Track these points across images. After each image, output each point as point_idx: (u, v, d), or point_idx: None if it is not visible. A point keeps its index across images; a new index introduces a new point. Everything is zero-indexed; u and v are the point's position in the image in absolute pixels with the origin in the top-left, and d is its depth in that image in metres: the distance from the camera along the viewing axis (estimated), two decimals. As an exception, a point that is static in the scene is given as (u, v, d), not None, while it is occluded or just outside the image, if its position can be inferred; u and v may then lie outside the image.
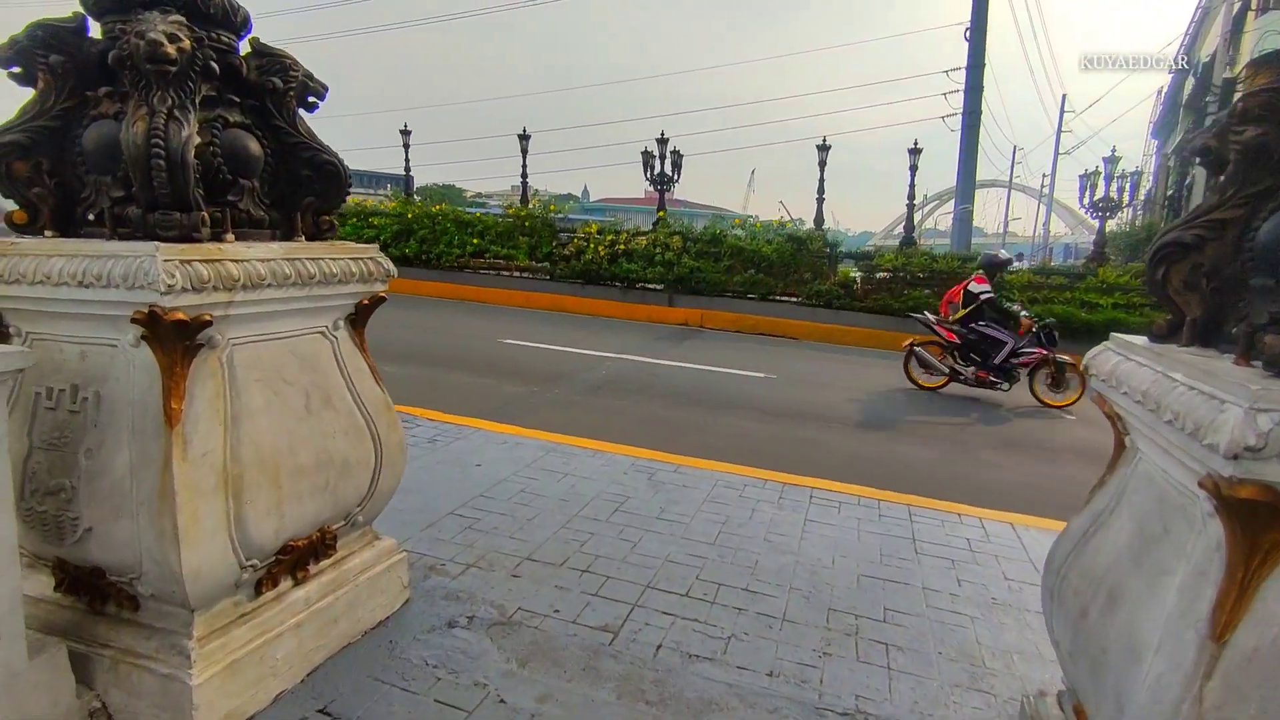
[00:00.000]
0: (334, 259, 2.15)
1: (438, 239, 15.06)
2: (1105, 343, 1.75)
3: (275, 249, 1.98)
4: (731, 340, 11.26)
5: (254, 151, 2.05)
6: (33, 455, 1.84)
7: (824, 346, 11.18)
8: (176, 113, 1.76)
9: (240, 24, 2.05)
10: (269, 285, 1.91)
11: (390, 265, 2.37)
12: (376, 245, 2.36)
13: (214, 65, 1.89)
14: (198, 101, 1.85)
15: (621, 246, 13.54)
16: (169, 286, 1.64)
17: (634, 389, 7.26)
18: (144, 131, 1.71)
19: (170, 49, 1.74)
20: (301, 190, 2.19)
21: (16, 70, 1.88)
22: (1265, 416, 1.11)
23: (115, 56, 1.79)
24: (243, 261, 1.84)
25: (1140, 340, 1.62)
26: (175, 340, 1.72)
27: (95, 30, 1.94)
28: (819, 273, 12.65)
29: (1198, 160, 1.57)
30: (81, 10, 1.92)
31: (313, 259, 2.07)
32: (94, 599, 1.94)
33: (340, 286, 2.19)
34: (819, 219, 15.55)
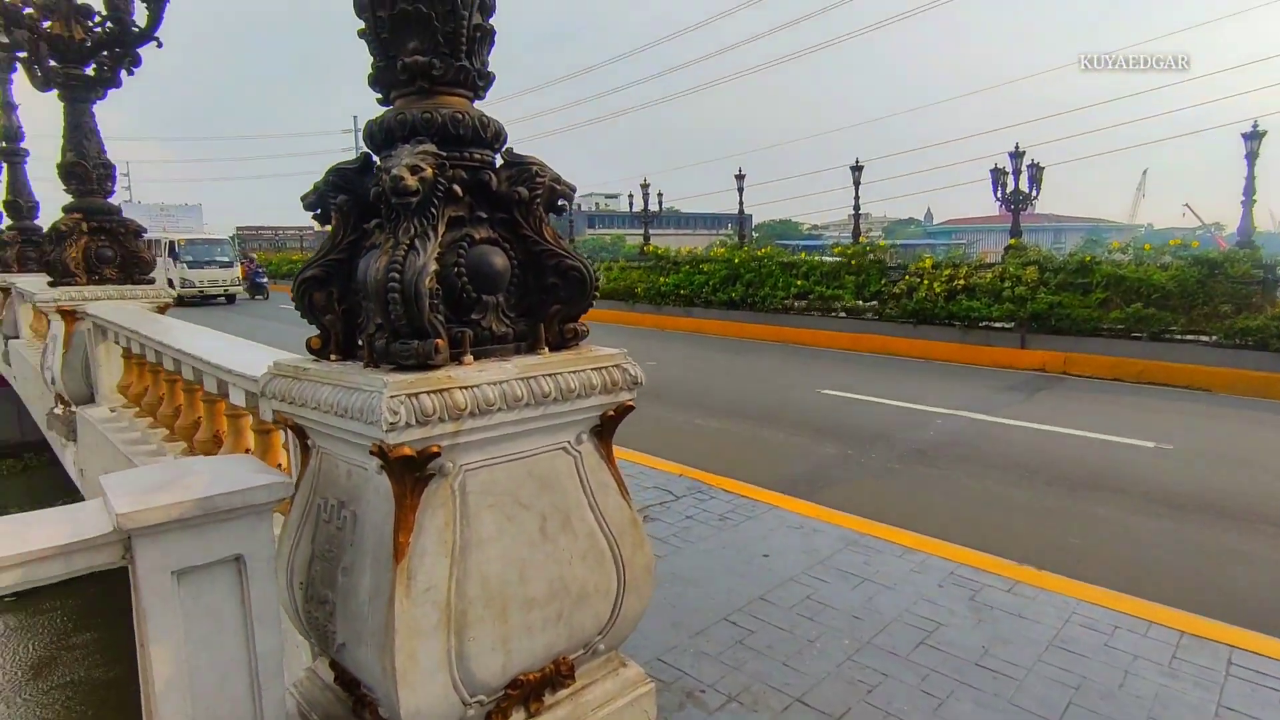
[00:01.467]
0: (573, 372, 2.01)
1: (763, 281, 15.17)
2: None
3: (509, 369, 1.89)
4: (1105, 392, 9.11)
5: (499, 267, 2.01)
6: (314, 562, 2.00)
7: (1255, 404, 8.40)
8: (416, 242, 1.78)
9: (492, 138, 2.05)
10: (499, 410, 1.82)
11: (637, 371, 2.17)
12: (623, 352, 2.18)
13: (457, 188, 1.89)
14: (441, 227, 1.86)
15: (961, 282, 12.02)
16: (391, 425, 1.62)
17: (966, 457, 6.18)
18: (384, 264, 1.75)
19: (411, 181, 1.75)
20: (548, 298, 2.11)
21: (317, 212, 2.10)
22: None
23: (375, 193, 1.88)
24: (471, 388, 1.77)
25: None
26: (404, 472, 1.71)
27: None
28: (1245, 303, 9.62)
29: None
30: (366, 149, 2.08)
31: (549, 375, 1.95)
32: (356, 702, 2.03)
33: (580, 401, 2.03)
34: (1245, 228, 11.99)
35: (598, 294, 2.16)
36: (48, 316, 6.13)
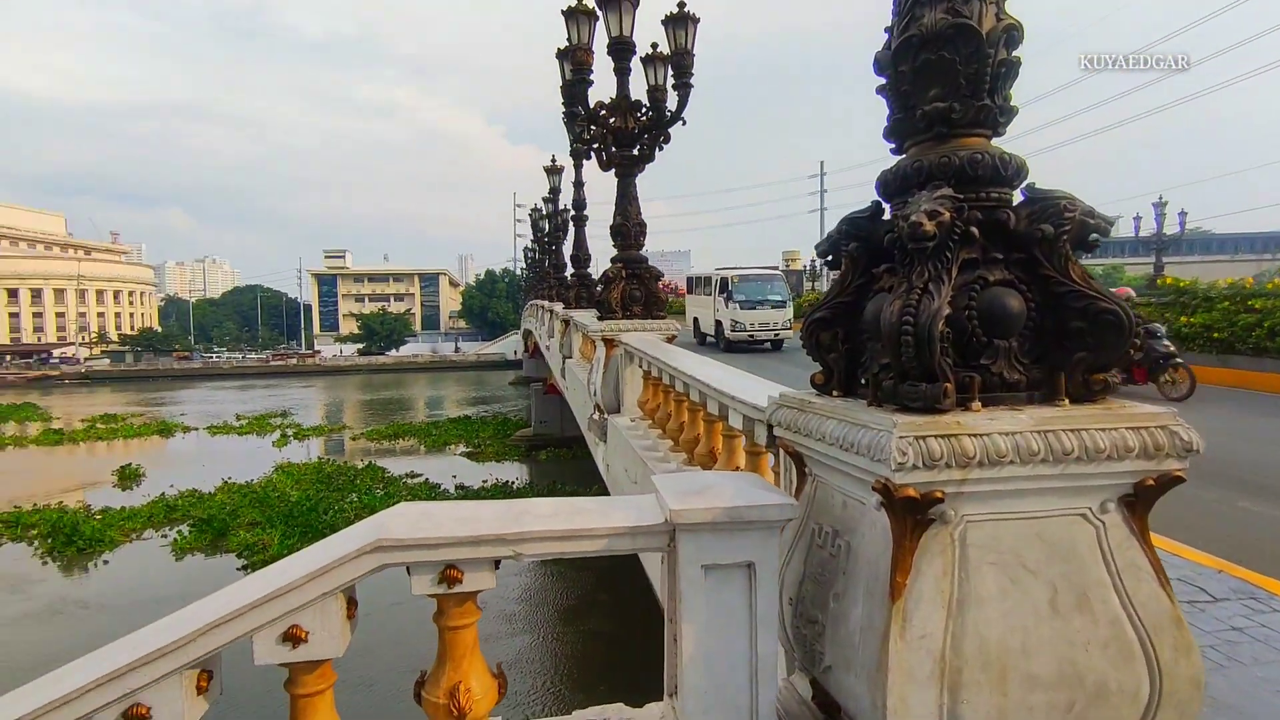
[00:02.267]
0: (1103, 430, 1.76)
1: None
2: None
3: (1024, 419, 1.75)
4: None
5: (1013, 310, 1.88)
6: (805, 581, 2.15)
7: None
8: (930, 286, 1.79)
9: (1012, 175, 1.94)
10: (1010, 462, 1.70)
11: (1192, 435, 1.79)
12: (1172, 411, 1.82)
13: (973, 230, 1.84)
14: (954, 270, 1.83)
15: None
16: (899, 465, 1.65)
17: None
18: (899, 308, 1.80)
19: (929, 226, 1.78)
20: (1070, 345, 1.89)
21: (829, 258, 2.28)
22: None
23: (889, 239, 1.96)
24: (981, 436, 1.70)
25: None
26: (905, 513, 1.72)
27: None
28: None
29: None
30: (877, 199, 2.19)
31: (1072, 430, 1.75)
32: (833, 726, 2.11)
33: (1110, 464, 1.77)
34: None
35: (1137, 342, 1.85)
36: (594, 343, 7.95)
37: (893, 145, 2.17)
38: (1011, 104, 2.02)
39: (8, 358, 65.38)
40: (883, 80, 2.15)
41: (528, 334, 33.81)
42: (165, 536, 15.81)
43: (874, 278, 2.14)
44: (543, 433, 25.50)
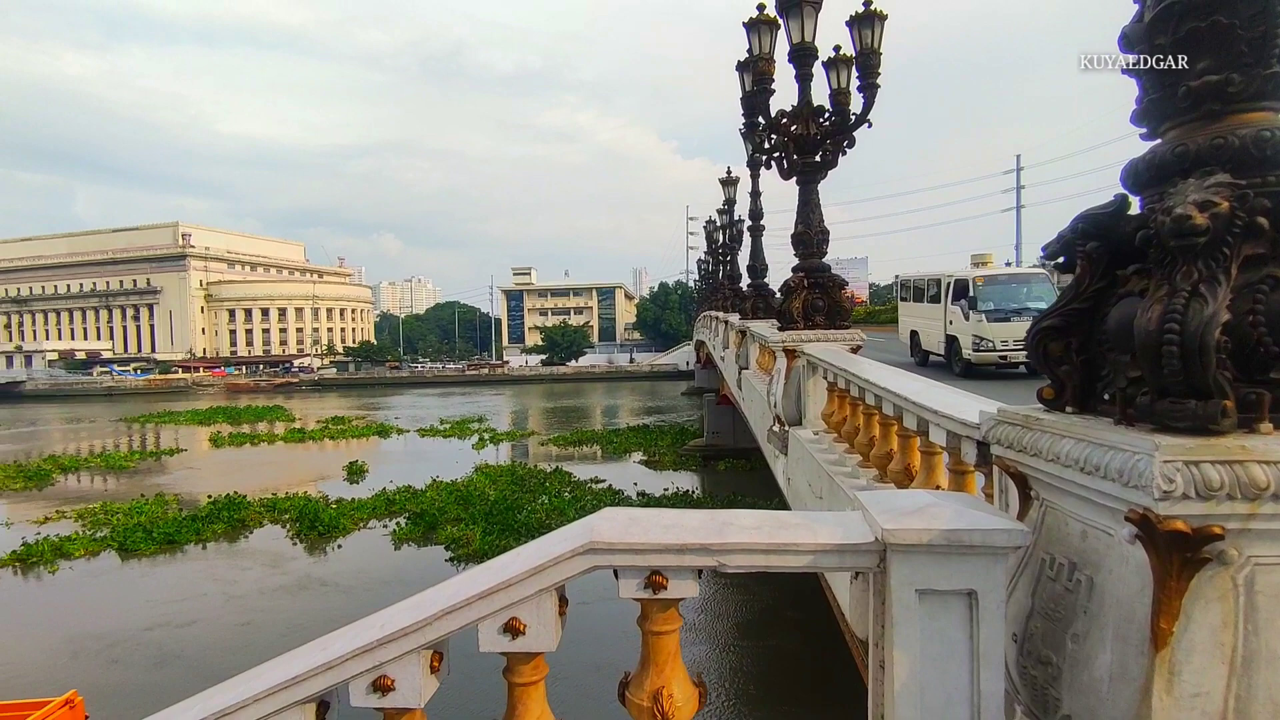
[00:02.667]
0: None
1: None
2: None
3: (1333, 445, 1.46)
4: None
5: (1314, 313, 1.58)
6: (1033, 617, 1.95)
7: None
8: (1202, 288, 1.55)
9: (1313, 153, 1.63)
10: (1316, 496, 1.43)
11: None
12: None
13: (1261, 220, 1.57)
14: (1234, 268, 1.57)
15: None
16: (1165, 493, 1.44)
17: None
18: (1160, 314, 1.57)
19: (1200, 219, 1.55)
20: (1398, 355, 1.55)
21: (1060, 259, 2.06)
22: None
23: (1141, 237, 1.73)
24: (1276, 464, 1.44)
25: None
26: (1171, 550, 1.50)
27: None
28: None
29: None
30: (1122, 191, 1.94)
31: (1401, 460, 1.43)
32: (1071, 785, 1.88)
33: None
34: None
35: None
36: (774, 353, 7.83)
37: (1145, 130, 1.92)
38: (1305, 71, 1.71)
39: (261, 367, 77.40)
40: (1130, 58, 1.91)
41: (700, 345, 34.10)
42: (385, 527, 17.82)
43: (1117, 280, 1.90)
44: (715, 443, 25.55)
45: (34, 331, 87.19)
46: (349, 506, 19.15)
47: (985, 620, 1.80)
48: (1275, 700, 1.45)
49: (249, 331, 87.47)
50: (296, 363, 78.25)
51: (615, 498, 19.70)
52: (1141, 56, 1.86)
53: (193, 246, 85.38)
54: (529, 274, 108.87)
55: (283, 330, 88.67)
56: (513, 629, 1.96)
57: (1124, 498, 1.57)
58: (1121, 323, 1.82)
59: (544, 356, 75.87)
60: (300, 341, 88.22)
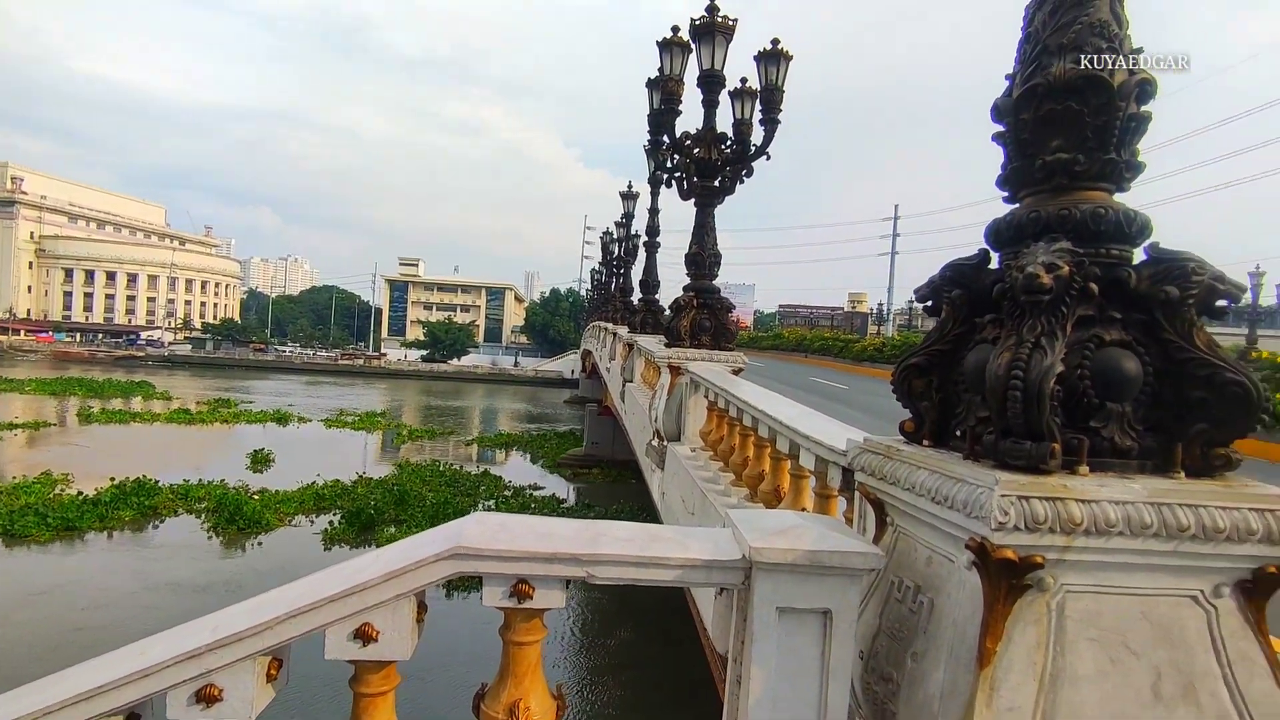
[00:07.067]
0: (1223, 508, 1.64)
1: None
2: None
3: (1137, 489, 1.65)
4: None
5: (1129, 373, 1.79)
6: (879, 636, 2.07)
7: None
8: (1043, 340, 1.72)
9: (1136, 233, 1.85)
10: (1118, 533, 1.61)
11: (1327, 524, 1.65)
12: (1299, 494, 1.69)
13: (1093, 286, 1.76)
14: (1069, 325, 1.76)
15: None
16: (1000, 524, 1.58)
17: None
18: (1008, 361, 1.73)
19: (1045, 279, 1.71)
20: (1190, 416, 1.78)
21: (929, 303, 2.22)
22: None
23: (997, 290, 1.89)
24: (1090, 502, 1.61)
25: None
26: (1000, 576, 1.64)
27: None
28: None
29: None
30: (985, 246, 2.12)
31: (1189, 506, 1.64)
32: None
33: (1229, 545, 1.65)
34: None
35: (1266, 417, 1.73)
36: (659, 369, 7.95)
37: (1006, 194, 2.11)
38: (1139, 160, 1.94)
39: (100, 336, 69.67)
40: (1000, 128, 2.09)
41: (587, 354, 34.11)
42: (313, 523, 16.35)
43: (975, 327, 2.07)
44: (594, 453, 25.55)
45: None
46: (273, 499, 17.38)
47: (837, 638, 1.89)
48: (1075, 714, 1.62)
49: (89, 295, 78.50)
50: (145, 335, 71.04)
51: (558, 507, 19.16)
52: (1008, 128, 2.05)
53: (25, 193, 75.35)
54: (416, 265, 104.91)
55: (131, 298, 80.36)
56: (365, 635, 1.85)
57: (966, 527, 1.70)
58: (976, 366, 1.98)
59: (425, 352, 73.25)
60: (151, 313, 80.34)
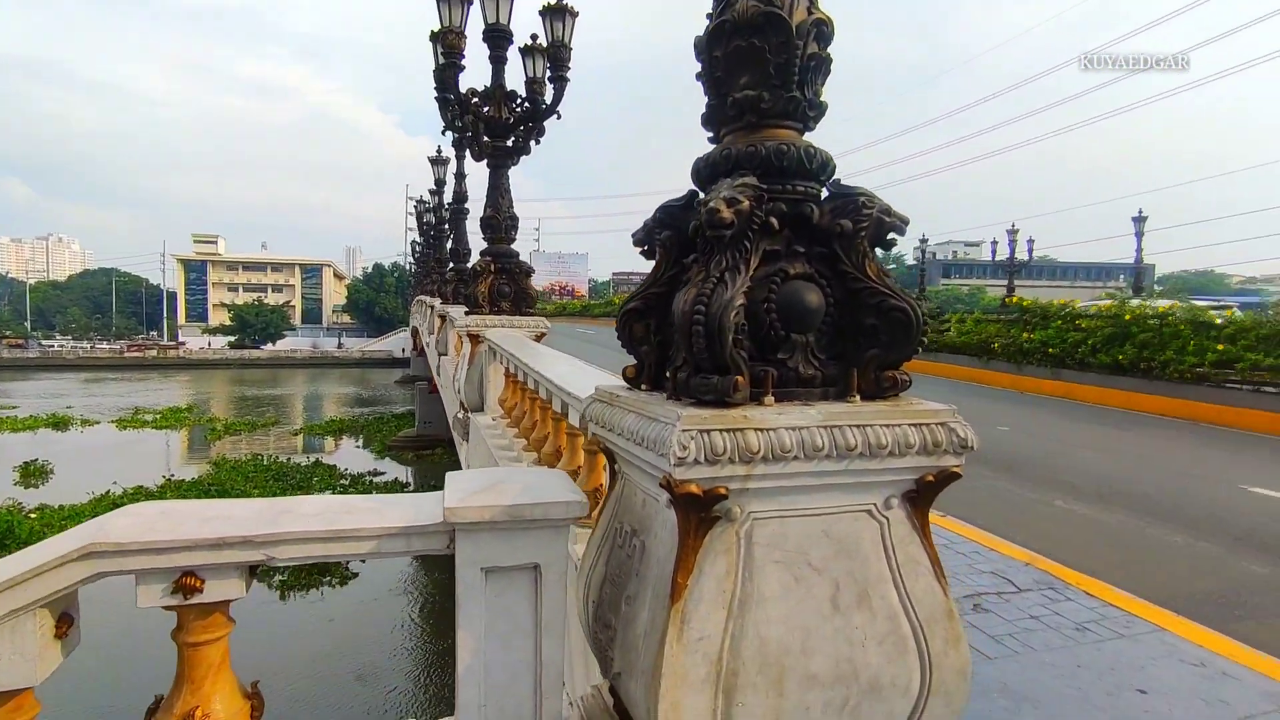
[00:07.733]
0: (886, 425, 1.76)
1: (1164, 344, 12.33)
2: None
3: (811, 414, 1.72)
4: None
5: (812, 304, 1.86)
6: (605, 583, 2.05)
7: None
8: (726, 276, 1.73)
9: (818, 169, 1.92)
10: (795, 457, 1.67)
11: (968, 432, 1.82)
12: (952, 409, 1.85)
13: (774, 221, 1.80)
14: (754, 260, 1.79)
15: None
16: (679, 459, 1.57)
17: None
18: (692, 298, 1.73)
19: (726, 213, 1.72)
20: (865, 341, 1.89)
21: (645, 247, 2.19)
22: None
23: (693, 228, 1.89)
24: (766, 431, 1.65)
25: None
26: (689, 511, 1.65)
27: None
28: None
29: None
30: (694, 186, 2.12)
31: (857, 426, 1.73)
32: (628, 734, 2.01)
33: (893, 460, 1.77)
34: None
35: (925, 339, 1.87)
36: (462, 338, 7.65)
37: (710, 133, 2.12)
38: (822, 100, 2.01)
39: None
40: (700, 66, 2.09)
41: (415, 331, 32.57)
42: None
43: (685, 268, 2.07)
44: (426, 434, 24.55)
45: None
46: (57, 515, 14.61)
47: (548, 591, 1.84)
48: (760, 634, 1.68)
49: None
50: None
51: (400, 491, 17.95)
52: (704, 66, 2.04)
53: None
54: (215, 242, 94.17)
55: None
56: (-27, 662, 1.53)
57: (658, 465, 1.69)
58: (675, 306, 1.98)
59: (233, 338, 66.39)
60: None
